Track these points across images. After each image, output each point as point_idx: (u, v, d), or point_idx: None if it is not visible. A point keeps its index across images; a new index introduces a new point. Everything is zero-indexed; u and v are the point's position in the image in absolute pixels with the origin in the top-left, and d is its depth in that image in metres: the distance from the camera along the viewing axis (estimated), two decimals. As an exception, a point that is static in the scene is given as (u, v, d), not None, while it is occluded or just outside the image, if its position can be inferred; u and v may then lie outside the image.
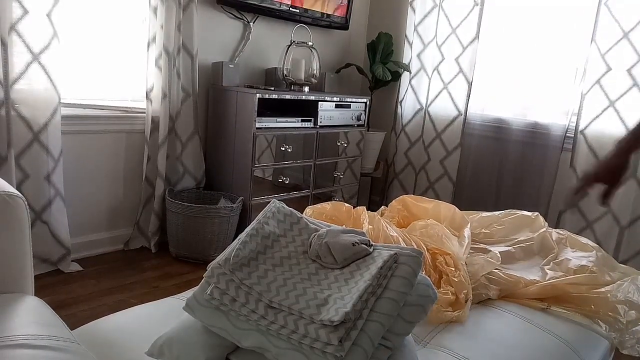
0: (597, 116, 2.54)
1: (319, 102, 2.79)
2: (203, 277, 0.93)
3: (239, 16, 2.80)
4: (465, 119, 3.02)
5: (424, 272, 1.23)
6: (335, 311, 0.80)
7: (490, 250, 1.43)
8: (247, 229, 0.97)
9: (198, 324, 0.90)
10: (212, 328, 0.87)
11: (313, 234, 0.99)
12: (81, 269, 2.27)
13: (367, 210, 1.43)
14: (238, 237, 0.97)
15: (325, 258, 0.93)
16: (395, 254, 0.90)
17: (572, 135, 2.64)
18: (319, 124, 2.81)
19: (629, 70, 2.42)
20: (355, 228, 1.31)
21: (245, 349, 0.86)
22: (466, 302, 1.17)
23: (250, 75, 2.94)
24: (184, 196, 2.59)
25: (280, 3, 2.82)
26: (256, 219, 1.00)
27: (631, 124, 2.43)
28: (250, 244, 0.94)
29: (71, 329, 0.84)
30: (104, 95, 2.45)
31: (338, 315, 0.79)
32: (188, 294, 1.14)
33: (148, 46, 2.39)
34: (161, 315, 1.04)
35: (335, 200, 1.44)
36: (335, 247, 0.93)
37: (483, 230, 1.60)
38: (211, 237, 2.42)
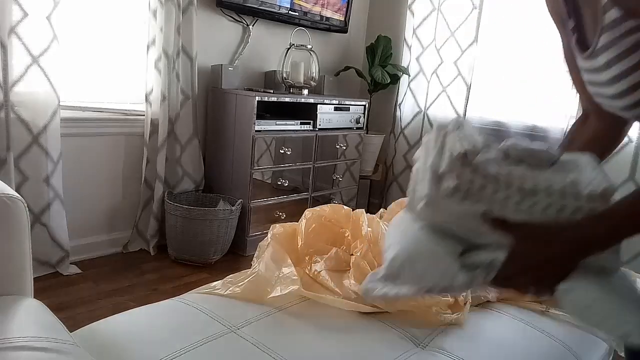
0: (595, 119, 2.55)
1: (318, 105, 2.79)
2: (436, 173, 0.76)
3: (238, 19, 2.81)
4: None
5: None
6: (593, 184, 0.72)
7: (489, 253, 1.43)
8: None
9: (419, 236, 0.79)
10: (459, 220, 0.75)
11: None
12: (80, 271, 2.27)
13: (366, 212, 1.43)
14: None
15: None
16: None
17: (571, 138, 2.65)
18: (318, 126, 2.81)
19: (626, 74, 2.42)
20: (354, 230, 1.31)
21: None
22: (465, 304, 1.17)
23: (250, 78, 2.95)
24: (183, 199, 2.59)
25: (280, 6, 2.83)
26: None
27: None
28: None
29: (70, 332, 0.84)
30: (103, 98, 2.45)
31: (602, 184, 0.71)
32: (188, 296, 1.14)
33: (147, 49, 2.39)
34: (161, 317, 1.04)
35: (334, 203, 1.44)
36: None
37: (482, 232, 1.60)
38: (210, 239, 2.42)
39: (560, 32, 0.93)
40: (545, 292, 0.75)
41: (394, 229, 0.91)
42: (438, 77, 3.12)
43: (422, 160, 0.82)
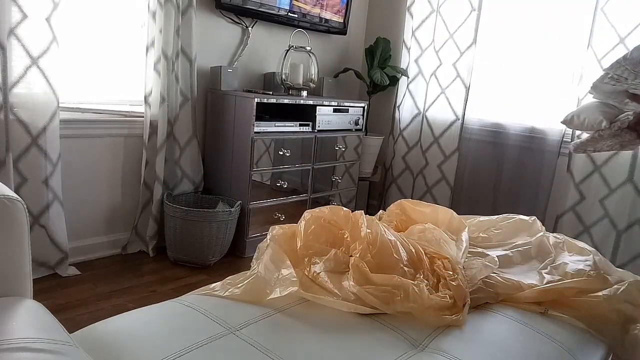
0: (593, 121, 2.55)
1: (317, 107, 2.80)
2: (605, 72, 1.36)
3: (238, 21, 2.81)
4: (462, 123, 3.04)
5: (421, 276, 1.23)
6: None
7: (488, 255, 1.44)
8: None
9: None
10: (608, 100, 1.44)
11: None
12: (79, 273, 2.26)
13: (365, 214, 1.43)
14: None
15: None
16: None
17: (569, 140, 2.66)
18: (317, 128, 2.82)
19: (625, 76, 2.43)
20: (354, 232, 1.31)
21: None
22: (464, 306, 1.17)
23: (249, 80, 2.95)
24: (182, 200, 2.59)
25: (279, 8, 2.83)
26: None
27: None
28: None
29: (69, 333, 0.84)
30: (102, 100, 2.45)
31: None
32: (187, 297, 1.14)
33: (147, 50, 2.39)
34: (160, 319, 1.04)
35: (334, 205, 1.44)
36: None
37: (481, 234, 1.61)
38: (209, 241, 2.42)
39: None
40: None
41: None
42: (437, 78, 3.12)
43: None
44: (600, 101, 1.53)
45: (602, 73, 1.38)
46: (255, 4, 2.72)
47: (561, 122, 1.60)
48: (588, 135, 1.53)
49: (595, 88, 1.43)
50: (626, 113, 1.44)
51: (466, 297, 1.19)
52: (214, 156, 2.74)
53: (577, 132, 2.60)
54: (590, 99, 1.52)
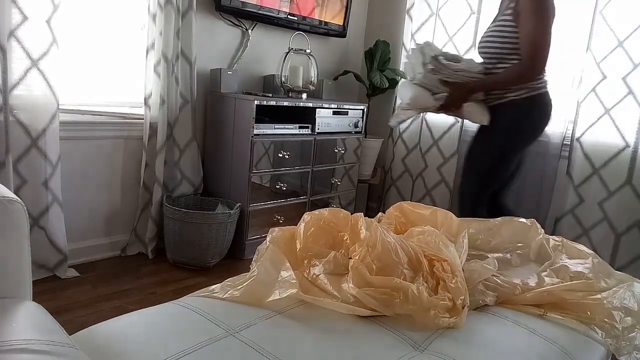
0: (592, 124, 2.56)
1: (317, 109, 2.80)
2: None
3: (238, 23, 2.82)
4: (462, 126, 3.04)
5: (421, 279, 1.23)
6: (478, 69, 2.16)
7: (487, 257, 1.44)
8: None
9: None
10: (432, 82, 2.13)
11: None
12: (78, 275, 2.26)
13: (365, 216, 1.43)
14: None
15: None
16: None
17: (568, 143, 2.66)
18: (316, 130, 2.82)
19: (624, 79, 2.44)
20: (353, 233, 1.31)
21: None
22: (463, 308, 1.17)
23: (249, 82, 2.96)
24: (182, 202, 2.59)
25: (279, 11, 2.84)
26: None
27: (627, 131, 2.45)
28: None
29: (69, 335, 0.85)
30: (102, 102, 2.45)
31: (479, 68, 2.17)
32: (186, 299, 1.14)
33: (147, 53, 2.40)
34: (159, 321, 1.04)
35: (333, 207, 1.44)
36: None
37: (480, 236, 1.61)
38: (208, 243, 2.42)
39: None
40: (458, 107, 2.14)
41: (403, 90, 2.22)
42: (436, 81, 3.12)
43: (413, 59, 2.14)
44: (421, 85, 2.14)
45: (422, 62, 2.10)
46: (255, 7, 2.72)
47: (407, 104, 2.19)
48: (408, 111, 2.20)
49: (425, 76, 2.10)
50: (442, 93, 2.13)
51: (465, 300, 1.19)
52: (213, 158, 2.74)
53: (577, 135, 2.61)
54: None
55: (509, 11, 2.03)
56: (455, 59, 2.16)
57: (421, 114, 2.39)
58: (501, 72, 2.08)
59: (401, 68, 2.27)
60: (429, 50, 2.11)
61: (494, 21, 2.17)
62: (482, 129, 2.20)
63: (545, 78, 2.10)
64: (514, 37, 2.03)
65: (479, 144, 2.23)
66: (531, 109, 2.11)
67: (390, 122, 2.33)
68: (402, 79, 2.25)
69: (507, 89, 2.09)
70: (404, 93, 2.20)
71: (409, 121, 3.28)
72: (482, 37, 2.19)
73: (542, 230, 1.65)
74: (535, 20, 1.97)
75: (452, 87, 2.10)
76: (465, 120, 2.84)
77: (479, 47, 2.21)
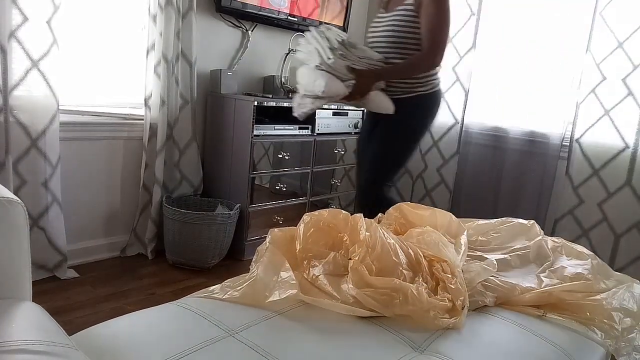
0: (592, 125, 2.56)
1: (317, 110, 2.80)
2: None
3: (238, 24, 2.82)
4: (462, 127, 3.04)
5: (420, 279, 1.23)
6: (376, 57, 2.13)
7: (487, 258, 1.44)
8: None
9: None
10: (340, 68, 2.02)
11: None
12: (77, 275, 2.26)
13: (364, 217, 1.43)
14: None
15: None
16: None
17: (568, 144, 2.66)
18: (316, 131, 2.82)
19: (623, 80, 2.44)
20: (353, 235, 1.31)
21: None
22: (463, 308, 1.17)
23: (248, 83, 2.96)
24: (182, 203, 2.59)
25: (279, 12, 2.84)
26: None
27: (626, 132, 2.45)
28: None
29: (68, 335, 0.85)
30: (102, 102, 2.45)
31: (378, 56, 2.13)
32: (185, 300, 1.14)
33: (147, 53, 2.40)
34: (159, 322, 1.04)
35: (333, 208, 1.44)
36: None
37: (479, 237, 1.61)
38: (208, 244, 2.42)
39: None
40: (363, 95, 2.06)
41: (308, 76, 2.03)
42: (436, 82, 3.12)
43: (317, 44, 1.99)
44: (329, 72, 1.98)
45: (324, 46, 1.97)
46: (255, 8, 2.72)
47: (321, 92, 1.99)
48: (318, 100, 2.03)
49: (336, 62, 1.97)
50: (350, 81, 2.01)
51: (465, 300, 1.19)
52: (213, 159, 2.74)
53: (576, 136, 2.61)
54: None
55: (410, 0, 2.05)
56: (353, 45, 2.06)
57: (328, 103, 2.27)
58: (404, 61, 2.08)
59: (298, 54, 2.06)
60: (334, 35, 1.99)
61: (386, 12, 2.17)
62: (389, 122, 2.15)
63: (439, 74, 2.18)
64: (414, 27, 2.05)
65: (389, 138, 2.18)
66: (435, 104, 2.19)
67: (295, 113, 2.13)
68: (304, 65, 2.05)
69: (416, 82, 2.11)
70: (309, 80, 2.02)
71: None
72: (376, 27, 2.18)
73: (542, 231, 1.65)
74: (437, 9, 2.00)
75: (358, 74, 2.02)
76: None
77: (372, 38, 2.19)
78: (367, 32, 2.22)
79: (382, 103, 2.10)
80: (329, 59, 1.96)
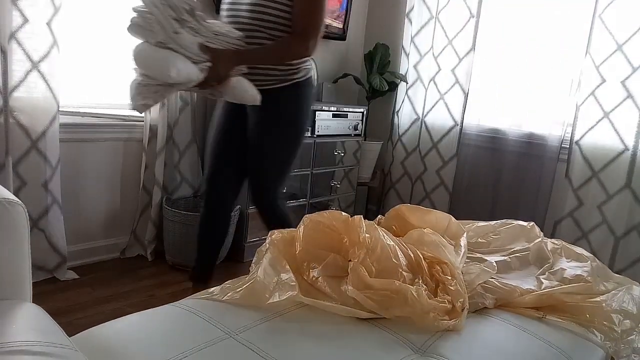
0: (591, 127, 2.56)
1: (317, 112, 2.80)
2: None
3: (238, 26, 2.82)
4: (461, 129, 3.05)
5: (420, 281, 1.23)
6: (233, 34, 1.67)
7: (486, 260, 1.44)
8: None
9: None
10: (191, 46, 1.54)
11: None
12: (77, 276, 2.26)
13: (364, 219, 1.44)
14: None
15: None
16: None
17: (567, 146, 2.67)
18: (316, 133, 2.82)
19: (623, 82, 2.45)
20: (353, 237, 1.31)
21: None
22: (462, 310, 1.17)
23: (248, 85, 2.95)
24: (181, 204, 2.59)
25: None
26: None
27: (626, 135, 2.46)
28: None
29: (68, 336, 0.85)
30: (102, 103, 2.45)
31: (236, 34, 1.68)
32: (185, 301, 1.14)
33: (147, 55, 2.40)
34: (158, 323, 1.04)
35: (332, 210, 1.44)
36: None
37: (479, 239, 1.61)
38: (208, 245, 2.41)
39: None
40: (221, 82, 1.59)
41: (150, 57, 1.50)
42: (436, 84, 3.13)
43: (158, 13, 1.46)
44: (176, 51, 1.47)
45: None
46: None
47: (171, 77, 1.47)
48: (162, 88, 1.51)
49: (184, 38, 1.49)
50: (204, 63, 1.53)
51: (465, 302, 1.19)
52: (213, 160, 2.74)
53: (576, 138, 2.62)
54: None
55: None
56: (205, 18, 1.60)
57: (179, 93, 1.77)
58: (271, 43, 1.70)
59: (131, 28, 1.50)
60: (180, 2, 1.49)
61: None
62: (266, 120, 1.79)
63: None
64: (286, 4, 1.68)
65: (273, 139, 1.83)
66: (311, 92, 1.89)
67: (134, 107, 1.55)
68: (141, 43, 1.50)
69: (290, 68, 1.76)
70: (152, 63, 1.49)
71: (407, 125, 3.28)
72: (238, 3, 1.74)
73: (542, 233, 1.65)
74: None
75: (215, 55, 1.56)
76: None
77: (231, 12, 1.75)
78: (224, 1, 1.79)
79: (246, 92, 1.65)
80: (175, 33, 1.48)
